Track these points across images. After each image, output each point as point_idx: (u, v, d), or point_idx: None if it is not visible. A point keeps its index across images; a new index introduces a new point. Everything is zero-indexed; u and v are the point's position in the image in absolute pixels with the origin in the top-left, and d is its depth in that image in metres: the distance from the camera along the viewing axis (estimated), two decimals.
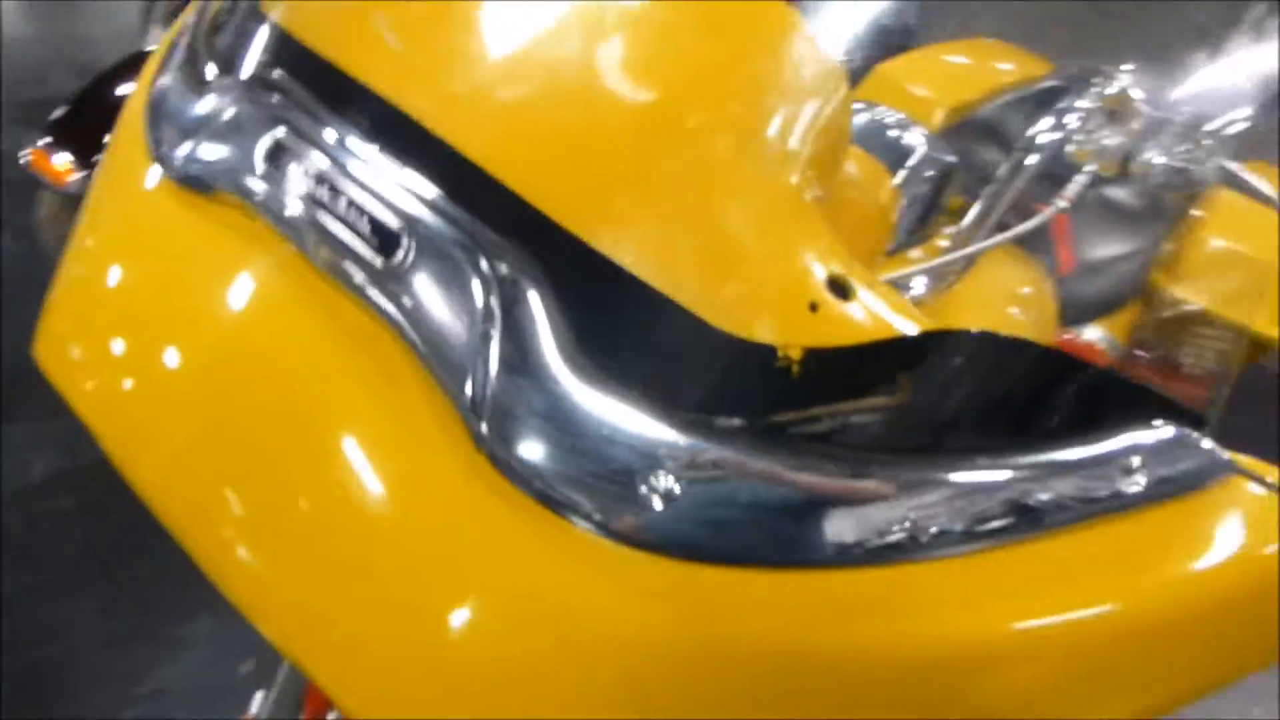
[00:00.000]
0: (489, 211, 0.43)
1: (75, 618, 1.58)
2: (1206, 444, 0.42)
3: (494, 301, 0.41)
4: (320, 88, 0.50)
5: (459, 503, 0.43)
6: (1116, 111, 0.74)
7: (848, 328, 0.40)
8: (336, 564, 0.45)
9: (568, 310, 0.41)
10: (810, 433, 0.39)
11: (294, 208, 0.48)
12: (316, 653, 0.44)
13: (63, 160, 1.56)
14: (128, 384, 0.51)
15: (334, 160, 0.47)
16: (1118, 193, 1.41)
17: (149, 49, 1.81)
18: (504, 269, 0.42)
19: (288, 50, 0.53)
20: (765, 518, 0.38)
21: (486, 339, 0.41)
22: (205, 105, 0.54)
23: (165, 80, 0.57)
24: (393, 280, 0.44)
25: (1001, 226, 0.76)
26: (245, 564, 0.46)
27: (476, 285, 0.42)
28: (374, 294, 0.44)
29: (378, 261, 0.44)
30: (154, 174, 0.56)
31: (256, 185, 0.49)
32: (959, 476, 0.39)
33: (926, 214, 0.83)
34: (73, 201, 1.68)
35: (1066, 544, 0.40)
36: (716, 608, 0.39)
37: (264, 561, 0.46)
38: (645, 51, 0.47)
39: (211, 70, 0.56)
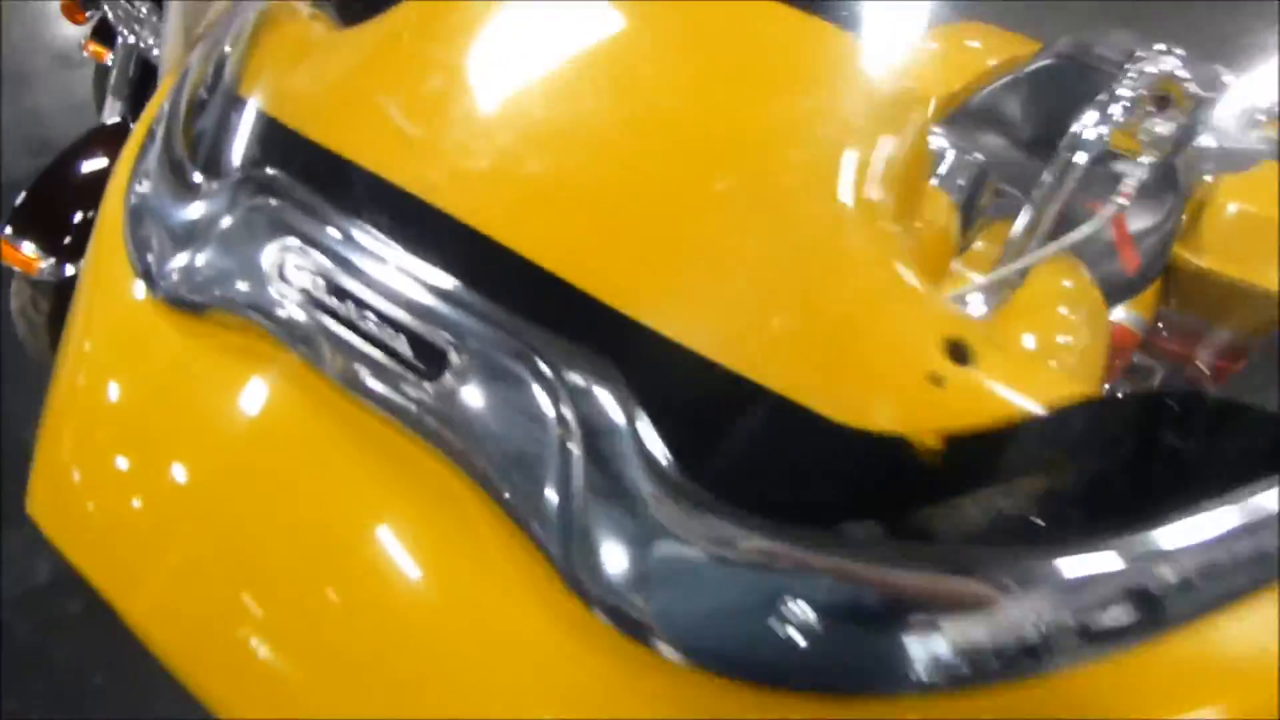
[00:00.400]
0: (542, 308, 0.38)
1: None
2: None
3: (567, 412, 0.36)
4: (324, 183, 0.45)
5: (530, 633, 0.38)
6: (1164, 97, 0.69)
7: (984, 401, 0.35)
8: (377, 681, 0.40)
9: (652, 413, 0.36)
10: (961, 531, 0.34)
11: (312, 327, 0.42)
12: None
13: (31, 248, 1.50)
14: (133, 524, 0.46)
15: (353, 270, 0.42)
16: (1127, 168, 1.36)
17: (108, 122, 1.75)
18: (573, 375, 0.36)
19: (281, 142, 0.48)
20: (916, 642, 0.32)
21: (565, 456, 0.35)
22: (193, 213, 0.48)
23: (145, 187, 0.51)
24: (443, 402, 0.38)
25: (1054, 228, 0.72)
26: (275, 679, 0.41)
27: (543, 396, 0.37)
28: (421, 417, 0.39)
29: (427, 386, 0.39)
30: (140, 292, 0.50)
31: (266, 304, 0.44)
32: (1130, 555, 0.34)
33: (966, 222, 0.78)
34: (45, 289, 1.61)
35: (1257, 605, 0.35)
36: None
37: (295, 676, 0.41)
38: (698, 105, 0.42)
39: (194, 171, 0.50)
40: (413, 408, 0.40)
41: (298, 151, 0.48)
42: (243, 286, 0.45)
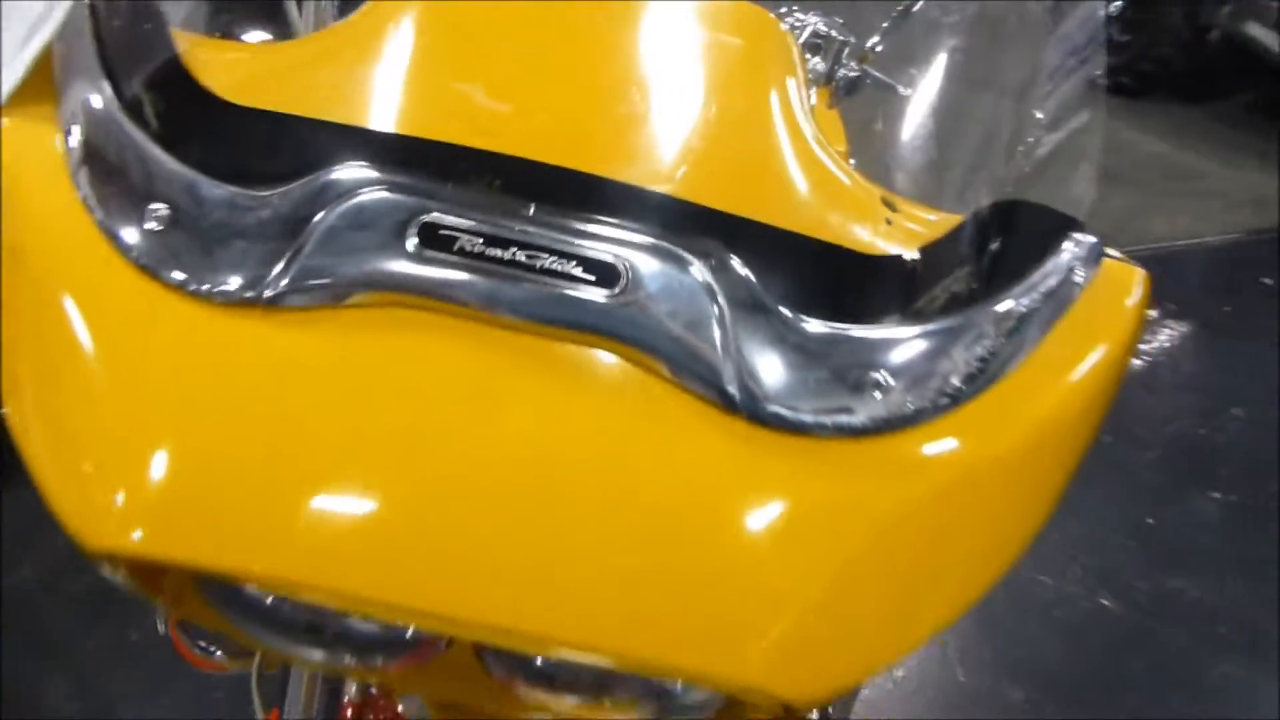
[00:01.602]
0: (657, 217, 0.52)
1: None
2: (1092, 237, 0.57)
3: (714, 283, 0.49)
4: (419, 164, 0.52)
5: (728, 460, 0.49)
6: (816, 44, 0.91)
7: (924, 227, 0.55)
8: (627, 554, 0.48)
9: (760, 275, 0.51)
10: (933, 309, 0.52)
11: (482, 277, 0.48)
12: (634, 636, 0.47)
13: None
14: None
15: (503, 223, 0.49)
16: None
17: None
18: (706, 261, 0.50)
19: (341, 137, 0.55)
20: (943, 383, 0.50)
21: (722, 315, 0.49)
22: (267, 220, 0.52)
23: (161, 218, 0.53)
24: (624, 301, 0.49)
25: None
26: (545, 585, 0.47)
27: (691, 279, 0.49)
28: (605, 321, 0.49)
29: (607, 295, 0.49)
30: (198, 315, 0.51)
31: (421, 272, 0.49)
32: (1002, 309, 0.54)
33: None
34: None
35: (1045, 352, 0.54)
36: (928, 462, 0.51)
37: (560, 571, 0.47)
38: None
39: (228, 186, 0.53)
40: (597, 315, 0.49)
41: (367, 142, 0.54)
42: (390, 265, 0.49)
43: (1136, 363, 2.62)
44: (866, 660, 0.51)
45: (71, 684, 1.72)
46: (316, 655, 0.58)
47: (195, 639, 1.04)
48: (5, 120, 0.58)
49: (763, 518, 0.48)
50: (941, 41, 0.81)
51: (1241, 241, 3.31)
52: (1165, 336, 2.74)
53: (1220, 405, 2.52)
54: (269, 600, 0.56)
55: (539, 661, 0.56)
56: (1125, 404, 2.52)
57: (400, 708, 0.86)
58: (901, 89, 1.00)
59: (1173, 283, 3.02)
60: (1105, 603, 2.02)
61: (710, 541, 0.48)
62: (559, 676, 0.56)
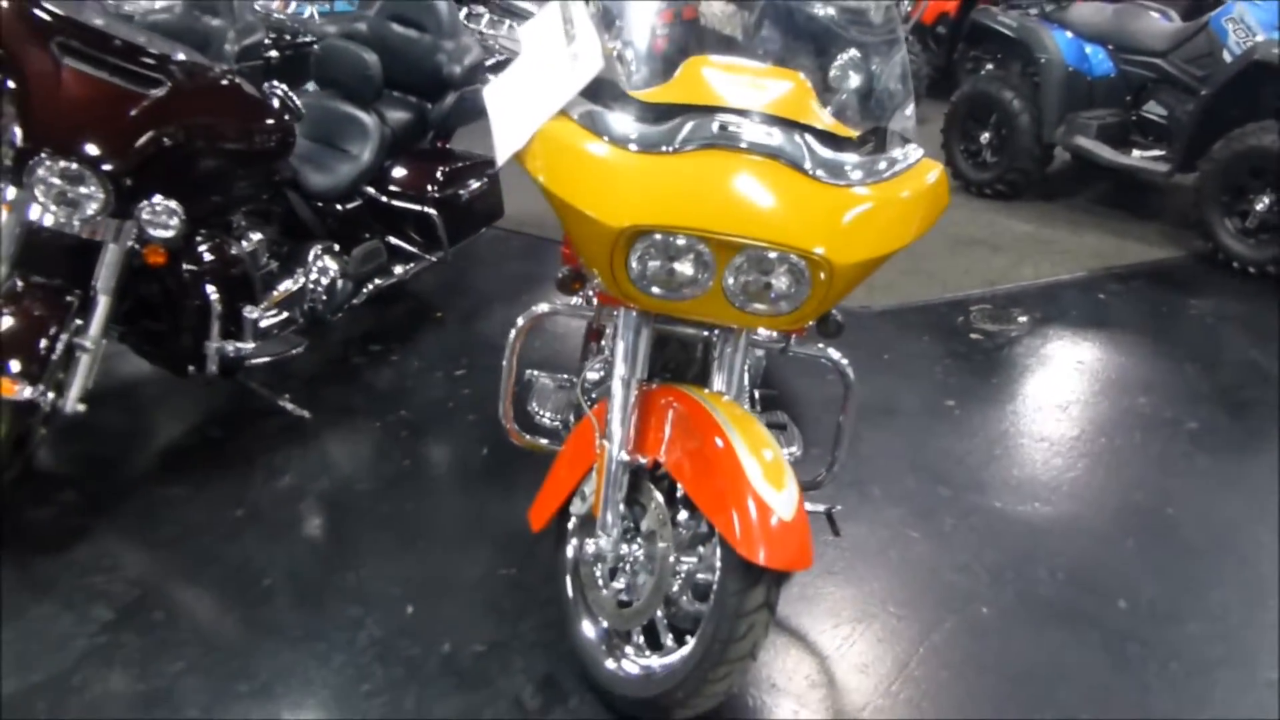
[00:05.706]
0: (790, 125, 1.80)
1: None
2: (919, 150, 1.87)
3: (798, 138, 1.73)
4: (710, 113, 1.76)
5: (810, 186, 1.71)
6: None
7: (860, 132, 1.85)
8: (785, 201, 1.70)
9: (816, 139, 1.74)
10: (864, 154, 1.80)
11: (734, 138, 1.70)
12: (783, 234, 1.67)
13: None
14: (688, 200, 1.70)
15: (740, 123, 1.74)
16: None
17: None
18: (800, 133, 1.74)
19: (679, 107, 1.83)
20: (869, 175, 1.75)
21: (803, 149, 1.70)
22: (665, 126, 1.72)
23: (622, 129, 1.75)
24: (773, 142, 1.70)
25: None
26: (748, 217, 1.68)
27: (789, 135, 1.73)
28: (766, 148, 1.70)
29: (774, 142, 1.71)
30: (616, 152, 1.71)
31: (722, 137, 1.70)
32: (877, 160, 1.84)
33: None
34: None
35: (897, 182, 1.79)
36: (869, 197, 1.72)
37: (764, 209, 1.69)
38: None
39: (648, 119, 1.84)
40: (773, 149, 1.69)
41: (693, 107, 1.75)
42: (708, 138, 1.69)
43: (1038, 343, 3.94)
44: (862, 253, 1.74)
45: None
46: (656, 291, 1.75)
47: (522, 430, 2.40)
48: (545, 125, 1.87)
49: (821, 204, 1.74)
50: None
51: (1083, 278, 4.73)
52: (1041, 328, 4.10)
53: (1083, 354, 3.89)
54: (649, 268, 1.74)
55: (741, 284, 1.74)
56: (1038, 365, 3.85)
57: (654, 384, 2.00)
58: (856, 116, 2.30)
59: (1042, 303, 4.40)
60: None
61: (807, 205, 1.74)
62: (750, 289, 1.74)
